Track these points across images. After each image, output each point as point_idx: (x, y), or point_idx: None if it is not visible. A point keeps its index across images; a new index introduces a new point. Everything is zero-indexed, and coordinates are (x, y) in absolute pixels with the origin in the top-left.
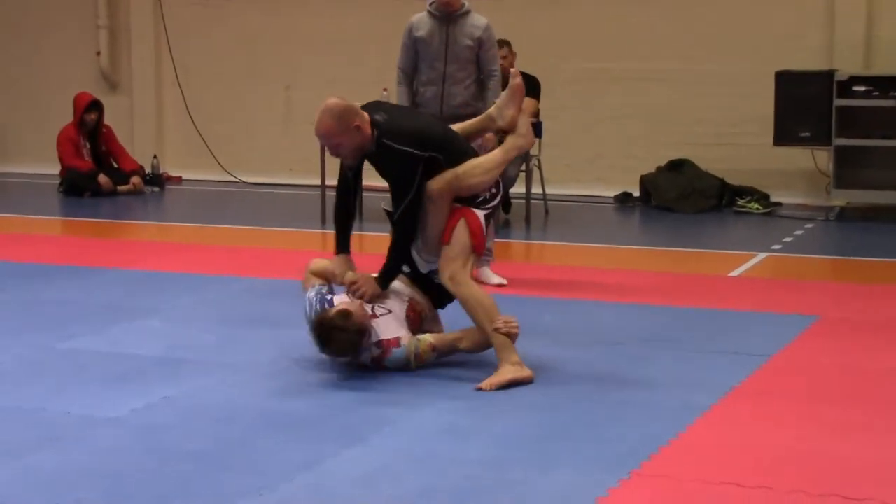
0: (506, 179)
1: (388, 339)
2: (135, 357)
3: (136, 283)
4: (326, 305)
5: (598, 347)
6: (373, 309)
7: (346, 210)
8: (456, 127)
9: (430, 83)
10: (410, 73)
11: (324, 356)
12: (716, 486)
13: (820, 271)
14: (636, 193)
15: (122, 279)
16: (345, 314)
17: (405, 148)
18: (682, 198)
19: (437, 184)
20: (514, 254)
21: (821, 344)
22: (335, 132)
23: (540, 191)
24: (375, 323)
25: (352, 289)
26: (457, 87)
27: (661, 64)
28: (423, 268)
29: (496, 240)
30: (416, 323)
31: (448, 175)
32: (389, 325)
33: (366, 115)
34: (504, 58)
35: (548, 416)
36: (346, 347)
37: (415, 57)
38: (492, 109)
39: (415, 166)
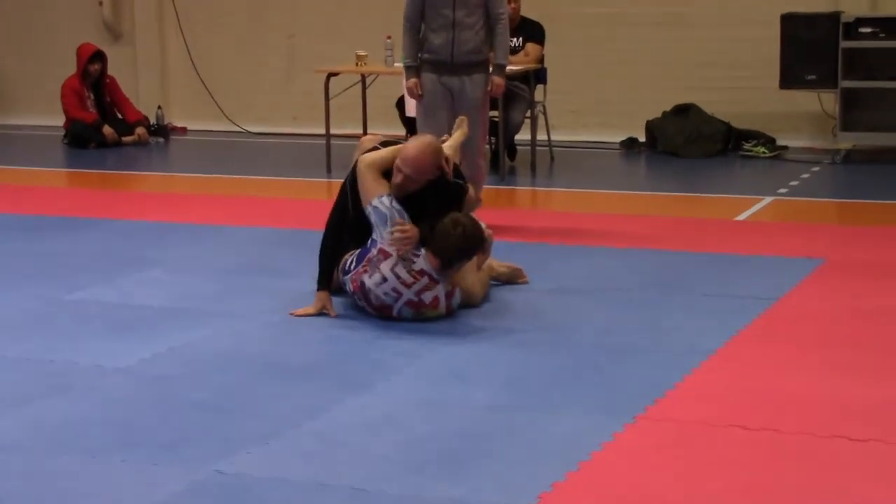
0: (510, 126)
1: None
2: (141, 307)
3: (142, 233)
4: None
5: (604, 293)
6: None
7: (337, 246)
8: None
9: (440, 30)
10: (417, 22)
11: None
12: (721, 429)
13: (826, 214)
14: (642, 139)
15: (127, 230)
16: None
17: (465, 186)
18: (688, 143)
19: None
20: (520, 200)
21: (827, 287)
22: (429, 169)
23: (545, 137)
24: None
25: (401, 237)
26: (467, 34)
27: (667, 7)
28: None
29: (503, 186)
30: None
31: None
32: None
33: None
34: (510, 2)
35: (553, 361)
36: (480, 237)
37: (421, 5)
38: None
39: (461, 197)
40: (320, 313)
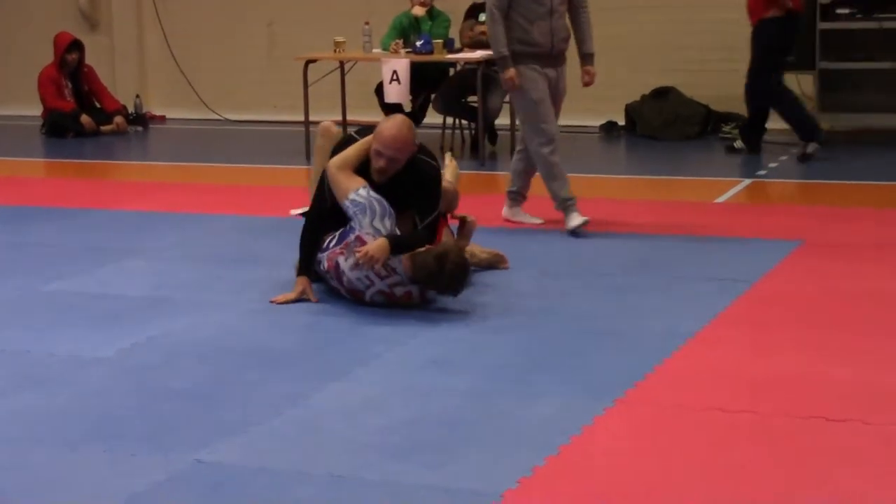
0: (489, 111)
1: None
2: (120, 297)
3: (121, 223)
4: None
5: (584, 277)
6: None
7: (317, 233)
8: None
9: (538, 20)
10: (506, 9)
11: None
12: (701, 412)
13: (805, 196)
14: (622, 122)
15: (106, 220)
16: (458, 249)
17: (435, 163)
18: (666, 126)
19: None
20: (500, 185)
21: (805, 268)
22: (409, 146)
23: None
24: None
25: (366, 260)
26: (560, 21)
27: None
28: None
29: (484, 171)
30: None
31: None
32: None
33: None
34: None
35: (534, 346)
36: (462, 277)
37: None
38: None
39: (439, 182)
40: (300, 299)
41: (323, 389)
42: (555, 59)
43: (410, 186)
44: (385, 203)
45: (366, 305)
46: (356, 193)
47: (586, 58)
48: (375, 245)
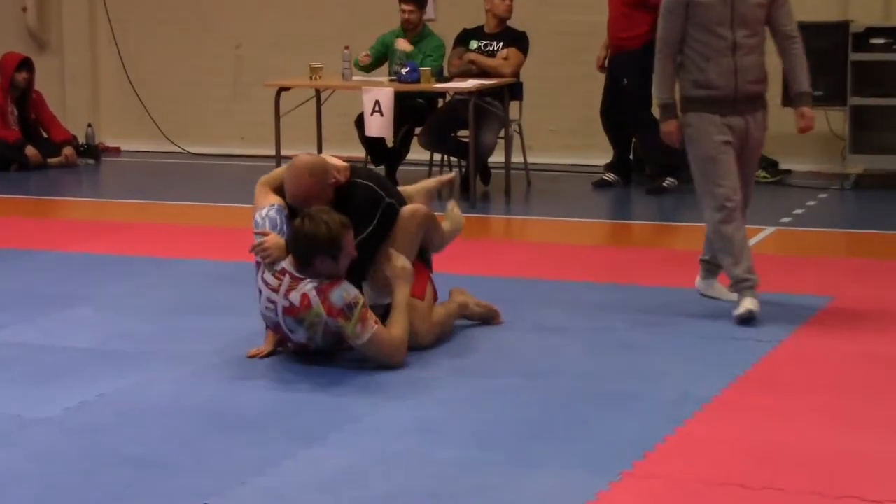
0: (483, 147)
1: (342, 279)
2: (67, 350)
3: (68, 266)
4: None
5: (588, 333)
6: None
7: None
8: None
9: (717, 56)
10: (676, 47)
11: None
12: (718, 488)
13: (834, 246)
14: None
15: (51, 262)
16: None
17: (373, 185)
18: (681, 166)
19: (412, 220)
20: (493, 230)
21: (835, 328)
22: (314, 192)
23: (521, 159)
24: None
25: (259, 249)
26: (749, 59)
27: None
28: (370, 299)
29: (475, 213)
30: None
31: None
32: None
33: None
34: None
35: (530, 410)
36: (332, 231)
37: (683, 25)
38: None
39: (377, 205)
40: (276, 350)
41: (294, 456)
42: (742, 104)
43: (346, 211)
44: (280, 222)
45: (343, 362)
46: (259, 213)
47: (800, 98)
48: (272, 239)
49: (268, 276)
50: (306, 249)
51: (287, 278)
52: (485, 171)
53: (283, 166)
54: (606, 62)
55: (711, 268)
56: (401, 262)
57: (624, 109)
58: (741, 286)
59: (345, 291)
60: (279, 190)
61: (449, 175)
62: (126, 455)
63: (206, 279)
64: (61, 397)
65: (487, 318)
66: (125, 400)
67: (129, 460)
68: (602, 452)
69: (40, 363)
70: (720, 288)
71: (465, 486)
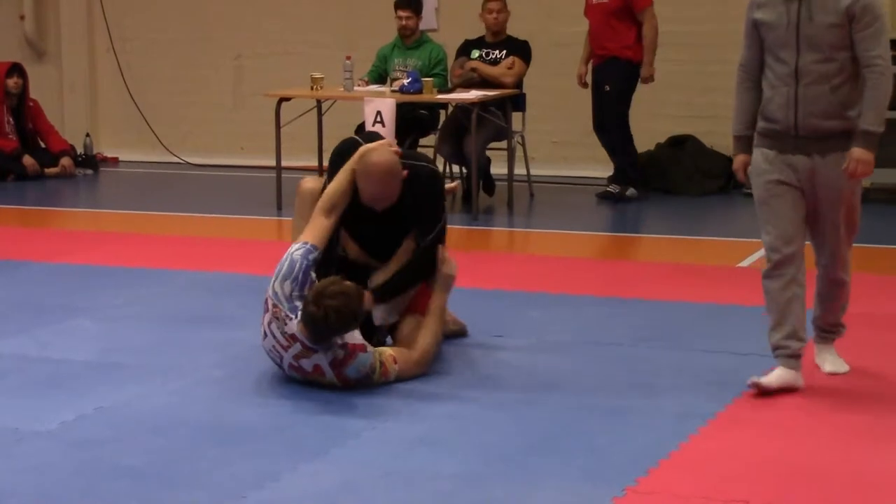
0: (469, 156)
1: (356, 343)
2: (65, 362)
3: (66, 278)
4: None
5: (590, 348)
6: None
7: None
8: None
9: (780, 84)
10: (756, 73)
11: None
12: None
13: None
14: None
15: (49, 274)
16: (339, 280)
17: (430, 165)
18: (684, 179)
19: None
20: (495, 242)
21: (842, 343)
22: (396, 192)
23: (523, 171)
24: None
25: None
26: (816, 89)
27: (663, 26)
28: (377, 320)
29: (477, 226)
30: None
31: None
32: (355, 333)
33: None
34: (498, 12)
35: (533, 425)
36: (347, 316)
37: (760, 46)
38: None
39: (438, 184)
40: None
41: (294, 471)
42: (806, 142)
43: (409, 201)
44: (298, 269)
45: (338, 384)
46: (292, 247)
47: (856, 136)
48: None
49: (277, 332)
50: (325, 331)
51: (298, 346)
52: (489, 182)
53: (341, 181)
54: (587, 77)
55: (820, 333)
56: (447, 268)
57: (606, 116)
58: (775, 353)
59: (360, 366)
60: (336, 207)
61: (453, 184)
62: (124, 468)
63: (205, 291)
64: (58, 410)
65: (459, 334)
66: (123, 412)
67: (127, 473)
68: (605, 468)
69: (37, 375)
70: (830, 358)
71: (467, 501)
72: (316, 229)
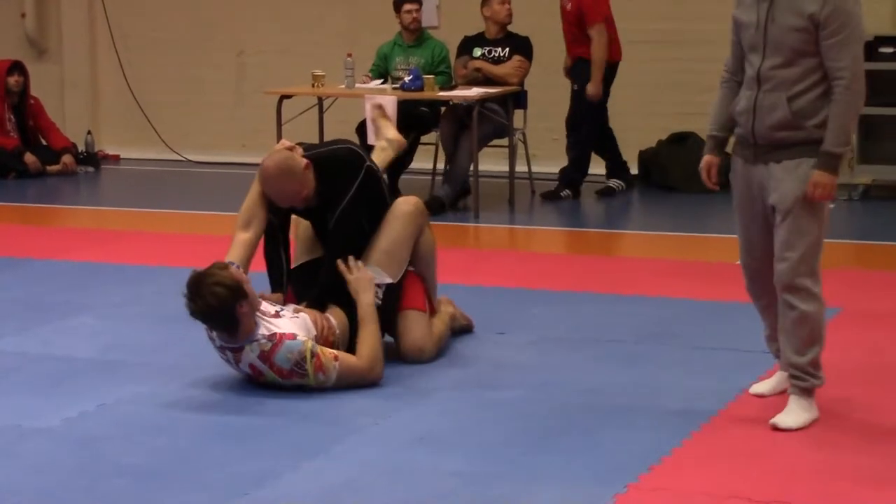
0: (474, 159)
1: (284, 333)
2: (66, 360)
3: (68, 275)
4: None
5: (592, 345)
6: (279, 311)
7: (276, 250)
8: None
9: (745, 88)
10: (736, 71)
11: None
12: (725, 501)
13: (842, 257)
14: (634, 171)
15: (51, 271)
16: (222, 265)
17: (350, 146)
18: (686, 176)
19: (407, 205)
20: (497, 240)
21: (843, 340)
22: (300, 185)
23: (525, 169)
24: (276, 321)
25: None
26: (775, 96)
27: (664, 24)
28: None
29: (476, 223)
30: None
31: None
32: (293, 324)
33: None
34: (502, 3)
35: (534, 422)
36: (212, 303)
37: (741, 46)
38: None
39: (356, 167)
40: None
41: (296, 468)
42: (763, 151)
43: (326, 182)
44: None
45: (263, 379)
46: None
47: (819, 157)
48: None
49: (216, 351)
50: (220, 319)
51: (230, 353)
52: (464, 186)
53: (252, 193)
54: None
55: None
56: (357, 272)
57: (578, 114)
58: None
59: (288, 352)
60: (254, 219)
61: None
62: (126, 466)
63: None
64: (60, 407)
65: (466, 329)
66: (125, 410)
67: (129, 471)
68: (608, 465)
69: (39, 373)
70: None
71: (468, 498)
72: (236, 247)
